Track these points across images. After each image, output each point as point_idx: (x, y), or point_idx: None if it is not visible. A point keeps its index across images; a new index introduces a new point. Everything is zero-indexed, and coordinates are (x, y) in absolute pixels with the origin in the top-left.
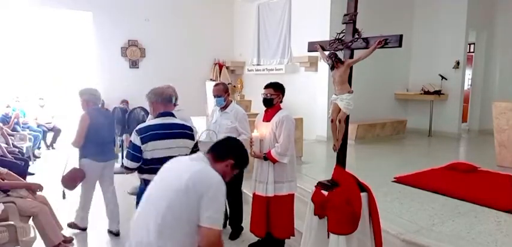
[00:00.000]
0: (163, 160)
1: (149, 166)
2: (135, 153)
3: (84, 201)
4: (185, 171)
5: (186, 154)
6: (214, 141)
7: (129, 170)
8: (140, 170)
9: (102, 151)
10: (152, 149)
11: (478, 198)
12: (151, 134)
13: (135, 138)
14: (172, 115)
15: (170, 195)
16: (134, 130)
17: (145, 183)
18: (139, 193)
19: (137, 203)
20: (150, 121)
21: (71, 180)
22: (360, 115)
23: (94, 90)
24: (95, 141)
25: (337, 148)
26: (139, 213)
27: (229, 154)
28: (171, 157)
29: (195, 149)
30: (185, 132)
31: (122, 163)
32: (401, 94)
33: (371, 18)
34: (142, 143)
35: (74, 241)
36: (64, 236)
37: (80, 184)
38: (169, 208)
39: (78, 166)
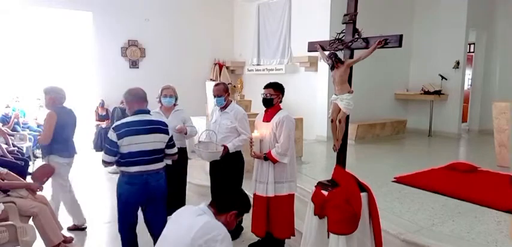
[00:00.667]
0: (139, 154)
1: (126, 160)
2: (111, 148)
3: (66, 199)
4: (190, 226)
5: (161, 149)
6: (214, 141)
7: (106, 163)
8: (118, 163)
9: (67, 148)
10: (128, 144)
11: (478, 198)
12: (127, 130)
13: (112, 135)
14: (148, 112)
15: None
16: (111, 127)
17: (123, 174)
18: (118, 185)
19: (120, 200)
20: (126, 118)
21: (41, 176)
22: (360, 115)
23: (59, 89)
24: (61, 139)
25: (337, 148)
26: None
27: (232, 207)
28: (147, 151)
29: (170, 143)
30: (160, 127)
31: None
32: (401, 94)
33: (371, 18)
34: (119, 139)
35: (74, 241)
36: (64, 236)
37: (52, 184)
38: None
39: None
